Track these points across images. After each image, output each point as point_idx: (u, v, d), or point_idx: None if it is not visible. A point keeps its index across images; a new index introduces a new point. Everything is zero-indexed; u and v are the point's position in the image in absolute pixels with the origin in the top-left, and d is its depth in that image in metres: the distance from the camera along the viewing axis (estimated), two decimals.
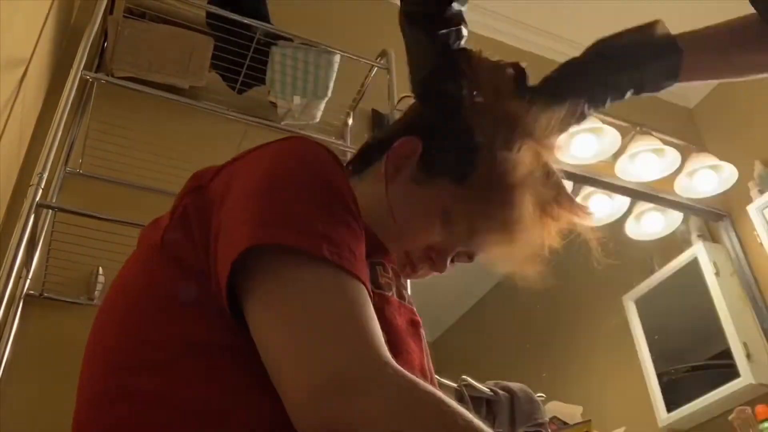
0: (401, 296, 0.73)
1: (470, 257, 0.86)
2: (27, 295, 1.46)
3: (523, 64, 0.88)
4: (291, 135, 0.69)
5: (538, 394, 1.83)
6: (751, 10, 0.86)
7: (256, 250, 0.54)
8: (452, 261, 0.84)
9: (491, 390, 1.79)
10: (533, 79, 0.93)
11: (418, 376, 0.58)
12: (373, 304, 0.58)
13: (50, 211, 1.45)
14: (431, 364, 0.82)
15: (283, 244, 0.55)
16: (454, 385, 1.81)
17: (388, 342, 0.58)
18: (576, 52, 0.97)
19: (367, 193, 0.77)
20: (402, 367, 0.57)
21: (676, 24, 0.99)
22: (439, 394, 0.53)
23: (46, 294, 1.50)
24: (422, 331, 0.77)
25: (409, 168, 0.81)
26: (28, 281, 1.46)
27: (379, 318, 0.58)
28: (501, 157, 0.78)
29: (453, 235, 0.80)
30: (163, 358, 0.57)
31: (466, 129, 0.82)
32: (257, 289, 0.55)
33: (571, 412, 1.73)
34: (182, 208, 0.66)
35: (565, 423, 1.63)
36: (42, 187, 1.25)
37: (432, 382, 0.71)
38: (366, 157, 0.86)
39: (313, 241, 0.55)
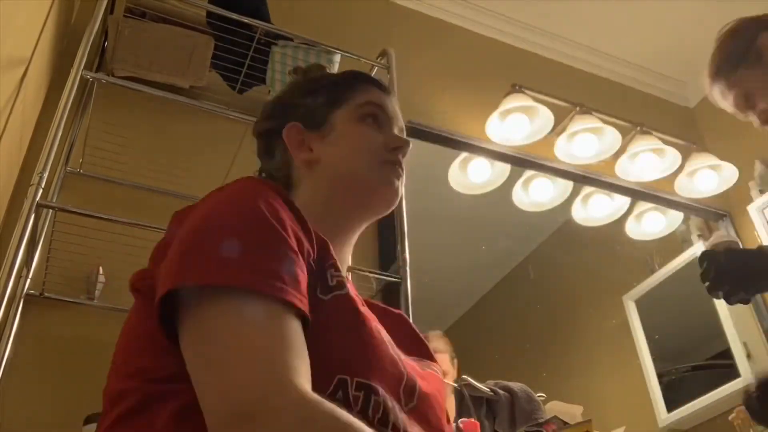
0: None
1: (401, 129, 0.95)
2: (27, 294, 1.46)
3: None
4: (240, 178, 0.75)
5: (539, 394, 1.83)
6: None
7: (181, 291, 0.60)
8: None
9: (491, 390, 1.80)
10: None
11: (386, 366, 0.69)
12: (328, 306, 0.67)
13: (50, 210, 1.45)
14: (426, 348, 0.90)
15: (200, 284, 0.60)
16: (455, 384, 1.81)
17: (356, 337, 0.67)
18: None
19: (310, 198, 0.87)
20: (374, 355, 0.67)
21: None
22: (348, 423, 0.55)
23: (46, 294, 1.50)
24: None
25: (310, 139, 0.91)
26: (29, 281, 1.46)
27: (336, 314, 0.67)
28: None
29: (379, 120, 0.91)
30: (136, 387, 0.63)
31: (303, 87, 0.97)
32: (181, 327, 0.61)
33: (571, 411, 1.73)
34: (161, 248, 0.70)
35: (565, 423, 1.62)
36: (42, 186, 1.25)
37: (404, 368, 0.73)
38: (284, 178, 0.93)
39: (232, 275, 0.60)
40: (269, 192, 0.70)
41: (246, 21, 1.72)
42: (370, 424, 0.63)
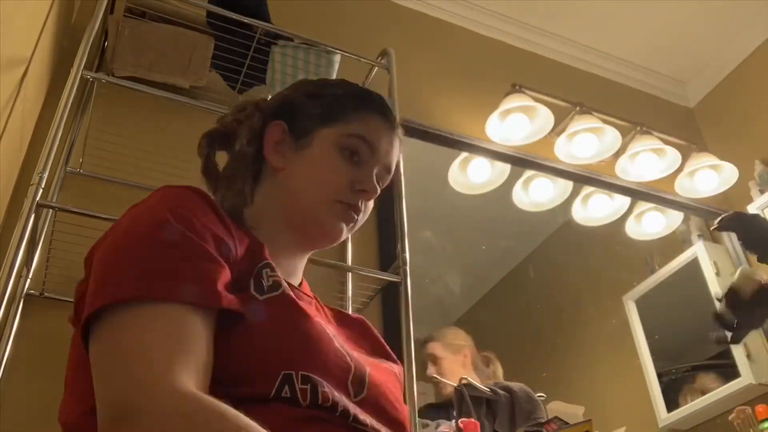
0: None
1: (387, 169, 0.91)
2: (27, 294, 1.46)
3: None
4: (158, 188, 0.78)
5: (539, 394, 1.83)
6: None
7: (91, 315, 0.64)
8: (378, 182, 0.89)
9: (491, 389, 1.80)
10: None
11: (330, 358, 0.70)
12: (265, 304, 0.68)
13: (51, 210, 1.45)
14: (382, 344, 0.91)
15: (97, 308, 0.63)
16: (455, 384, 1.81)
17: (297, 332, 0.69)
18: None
19: (265, 201, 0.87)
20: (317, 348, 0.69)
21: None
22: (222, 415, 0.56)
23: (46, 293, 1.50)
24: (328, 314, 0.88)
25: (287, 145, 0.88)
26: (29, 281, 1.46)
27: (274, 311, 0.68)
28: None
29: (361, 156, 0.87)
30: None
31: (307, 92, 0.93)
32: (90, 345, 0.65)
33: (572, 411, 1.73)
34: (87, 272, 0.74)
35: (565, 423, 1.62)
36: (42, 186, 1.25)
37: (349, 359, 0.74)
38: (247, 185, 0.91)
39: (123, 290, 0.63)
40: (185, 198, 0.72)
41: (246, 21, 1.72)
42: (318, 412, 0.66)
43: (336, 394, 0.68)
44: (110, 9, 1.71)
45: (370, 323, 0.97)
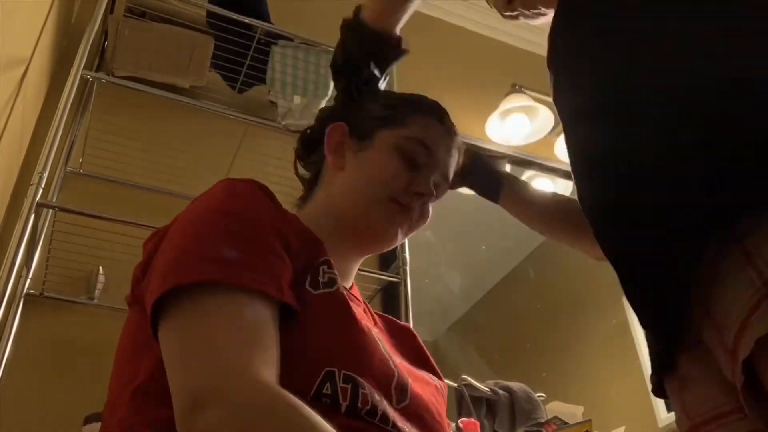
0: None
1: (444, 176, 0.90)
2: (27, 294, 1.46)
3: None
4: (221, 180, 0.76)
5: (539, 394, 1.83)
6: None
7: (163, 299, 0.63)
8: (435, 189, 0.89)
9: (491, 390, 1.79)
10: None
11: (375, 362, 0.69)
12: (316, 301, 0.68)
13: (50, 210, 1.46)
14: (425, 355, 0.89)
15: (171, 288, 0.62)
16: (455, 384, 1.81)
17: (345, 331, 0.68)
18: None
19: (323, 201, 0.87)
20: (363, 350, 0.68)
21: None
22: (299, 411, 0.55)
23: (46, 293, 1.50)
24: (376, 319, 0.87)
25: (347, 147, 0.88)
26: (29, 280, 1.46)
27: (325, 308, 0.68)
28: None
29: (419, 160, 0.86)
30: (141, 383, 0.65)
31: (372, 93, 0.95)
32: (159, 330, 0.64)
33: (571, 411, 1.73)
34: (146, 256, 0.73)
35: (565, 423, 1.62)
36: (42, 186, 1.25)
37: (393, 370, 0.73)
38: (310, 182, 0.93)
39: (199, 272, 0.63)
40: (246, 189, 0.72)
41: (246, 21, 1.72)
42: (358, 416, 0.65)
43: (376, 397, 0.67)
44: (110, 9, 1.71)
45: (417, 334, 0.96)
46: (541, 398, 1.81)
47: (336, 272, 0.74)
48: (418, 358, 0.88)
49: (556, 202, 1.11)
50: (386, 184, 0.83)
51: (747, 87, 0.63)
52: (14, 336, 1.38)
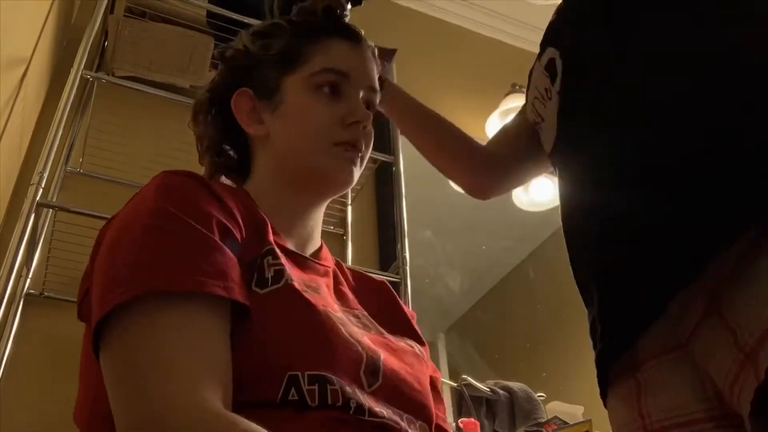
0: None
1: (371, 88, 0.85)
2: (27, 294, 1.46)
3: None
4: (155, 175, 0.70)
5: (539, 394, 1.83)
6: None
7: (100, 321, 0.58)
8: (368, 108, 0.84)
9: (491, 390, 1.79)
10: None
11: (339, 351, 0.65)
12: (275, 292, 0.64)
13: (51, 210, 1.45)
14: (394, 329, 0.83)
15: (111, 309, 0.57)
16: (454, 384, 1.81)
17: (303, 328, 0.64)
18: None
19: (263, 172, 0.81)
20: (325, 343, 0.64)
21: None
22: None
23: (46, 293, 1.50)
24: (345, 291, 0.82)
25: (261, 110, 0.82)
26: (29, 280, 1.46)
27: (277, 307, 0.64)
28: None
29: (339, 88, 0.81)
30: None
31: (256, 47, 0.84)
32: (100, 352, 0.59)
33: (571, 411, 1.73)
34: (86, 271, 0.70)
35: (565, 423, 1.62)
36: (42, 186, 1.25)
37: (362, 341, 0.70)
38: (240, 158, 0.87)
39: (134, 287, 0.57)
40: (180, 183, 0.67)
41: (246, 21, 1.72)
42: (331, 413, 0.61)
43: (348, 389, 0.63)
44: (110, 9, 1.71)
45: (394, 290, 0.91)
46: (541, 398, 1.81)
47: (282, 261, 0.69)
48: (395, 319, 0.84)
49: (438, 120, 1.12)
50: (320, 131, 0.79)
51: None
52: (14, 336, 1.38)
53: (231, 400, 0.57)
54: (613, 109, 0.77)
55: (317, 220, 0.84)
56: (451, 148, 1.10)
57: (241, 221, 0.68)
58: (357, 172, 0.82)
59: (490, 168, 1.09)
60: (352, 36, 0.85)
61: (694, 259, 0.64)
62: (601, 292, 0.76)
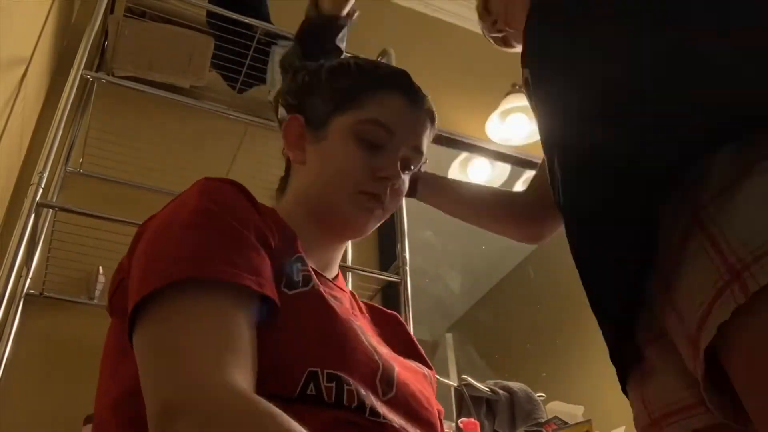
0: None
1: (416, 149, 0.87)
2: (27, 294, 1.46)
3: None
4: (197, 180, 0.74)
5: (539, 394, 1.83)
6: None
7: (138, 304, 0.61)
8: (403, 169, 0.86)
9: (491, 390, 1.79)
10: None
11: (358, 357, 0.68)
12: (294, 295, 0.67)
13: (50, 210, 1.45)
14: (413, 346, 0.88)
15: (149, 293, 0.60)
16: (455, 384, 1.81)
17: (325, 329, 0.67)
18: None
19: (293, 196, 0.85)
20: (344, 346, 0.67)
21: None
22: (275, 417, 0.53)
23: (46, 293, 1.50)
24: (363, 312, 0.87)
25: (306, 140, 0.85)
26: (29, 280, 1.46)
27: (302, 308, 0.67)
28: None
29: (379, 142, 0.82)
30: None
31: (319, 79, 0.88)
32: (134, 335, 0.62)
33: (571, 411, 1.73)
34: (122, 265, 0.72)
35: (565, 423, 1.62)
36: (42, 186, 1.25)
37: (383, 357, 0.73)
38: (284, 174, 0.91)
39: (174, 272, 0.60)
40: (221, 188, 0.71)
41: (246, 21, 1.72)
42: (346, 414, 0.64)
43: (362, 392, 0.66)
44: (110, 9, 1.72)
45: (404, 321, 0.94)
46: (541, 398, 1.81)
47: (310, 269, 0.73)
48: (406, 347, 0.87)
49: (473, 193, 1.18)
50: (349, 176, 0.81)
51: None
52: (14, 336, 1.38)
53: (255, 387, 0.59)
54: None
55: (335, 253, 0.87)
56: (492, 216, 1.16)
57: (274, 229, 0.72)
58: (374, 223, 0.84)
59: (533, 218, 1.15)
60: (410, 94, 0.86)
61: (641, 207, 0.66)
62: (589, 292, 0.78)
